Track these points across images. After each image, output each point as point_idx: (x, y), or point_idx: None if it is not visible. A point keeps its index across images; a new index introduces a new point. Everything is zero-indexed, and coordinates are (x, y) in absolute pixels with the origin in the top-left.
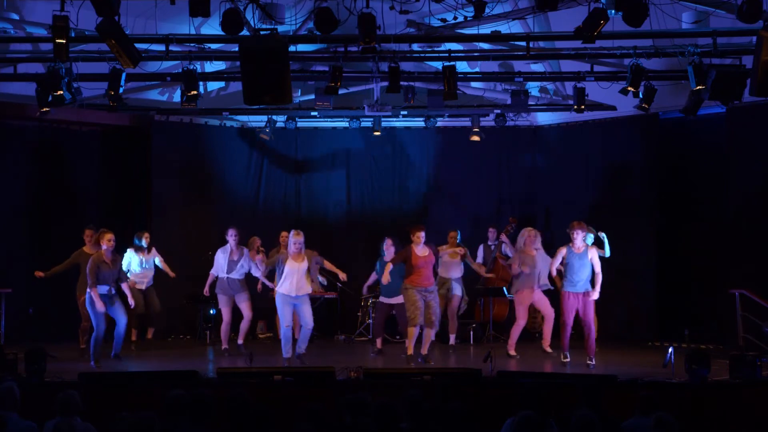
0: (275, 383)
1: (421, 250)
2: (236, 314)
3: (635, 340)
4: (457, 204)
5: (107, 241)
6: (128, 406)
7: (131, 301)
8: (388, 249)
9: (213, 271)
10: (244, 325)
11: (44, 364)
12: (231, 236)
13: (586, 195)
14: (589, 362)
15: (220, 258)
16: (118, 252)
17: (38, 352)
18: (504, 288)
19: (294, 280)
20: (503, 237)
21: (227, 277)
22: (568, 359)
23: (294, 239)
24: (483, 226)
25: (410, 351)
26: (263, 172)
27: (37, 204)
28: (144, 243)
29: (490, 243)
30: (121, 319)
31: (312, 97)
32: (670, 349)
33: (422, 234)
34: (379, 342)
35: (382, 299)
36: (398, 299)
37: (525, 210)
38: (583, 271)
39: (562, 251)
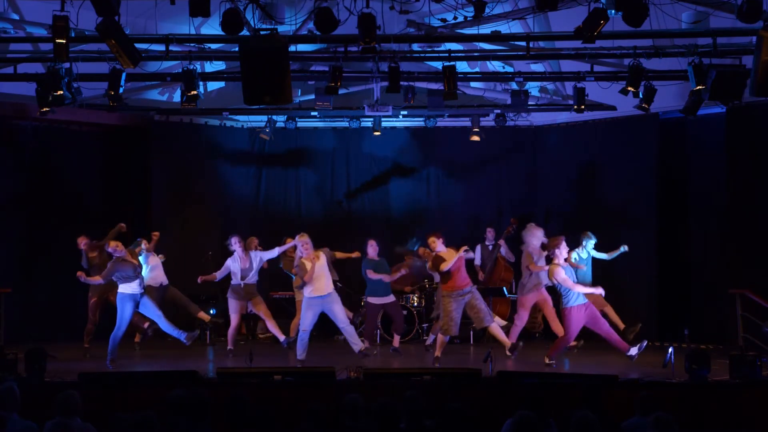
0: (275, 383)
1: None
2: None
3: (635, 340)
4: (457, 204)
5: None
6: (128, 406)
7: None
8: (372, 249)
9: (218, 274)
10: (272, 329)
11: (44, 364)
12: (235, 245)
13: (586, 195)
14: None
15: (232, 266)
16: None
17: (38, 352)
18: (504, 288)
19: (322, 280)
20: (501, 241)
21: (243, 284)
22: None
23: (301, 241)
24: (482, 226)
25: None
26: (263, 172)
27: (37, 204)
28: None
29: (487, 243)
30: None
31: (312, 97)
32: (670, 349)
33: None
34: (367, 342)
35: (371, 300)
36: (389, 298)
37: (525, 210)
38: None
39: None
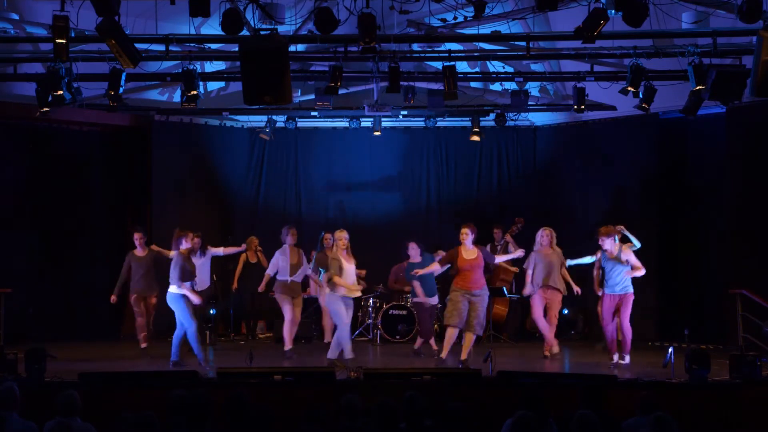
0: (275, 383)
1: (468, 252)
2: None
3: (635, 340)
4: (458, 204)
5: (192, 240)
6: (128, 406)
7: (196, 300)
8: (413, 251)
9: (269, 271)
10: (290, 329)
11: (44, 364)
12: (288, 236)
13: (587, 195)
14: (621, 361)
15: (280, 260)
16: (117, 255)
17: (38, 352)
18: (504, 288)
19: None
20: (508, 237)
21: (290, 280)
22: (625, 361)
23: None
24: (483, 227)
25: (444, 353)
26: (263, 172)
27: (37, 204)
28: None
29: (497, 243)
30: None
31: (312, 97)
32: (670, 349)
33: (467, 231)
34: (433, 342)
35: (424, 299)
36: (434, 300)
37: (525, 210)
38: (618, 274)
39: (598, 255)
